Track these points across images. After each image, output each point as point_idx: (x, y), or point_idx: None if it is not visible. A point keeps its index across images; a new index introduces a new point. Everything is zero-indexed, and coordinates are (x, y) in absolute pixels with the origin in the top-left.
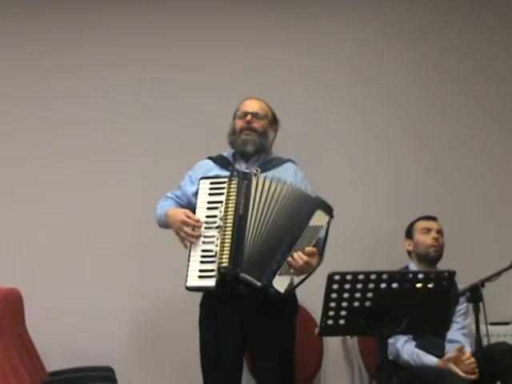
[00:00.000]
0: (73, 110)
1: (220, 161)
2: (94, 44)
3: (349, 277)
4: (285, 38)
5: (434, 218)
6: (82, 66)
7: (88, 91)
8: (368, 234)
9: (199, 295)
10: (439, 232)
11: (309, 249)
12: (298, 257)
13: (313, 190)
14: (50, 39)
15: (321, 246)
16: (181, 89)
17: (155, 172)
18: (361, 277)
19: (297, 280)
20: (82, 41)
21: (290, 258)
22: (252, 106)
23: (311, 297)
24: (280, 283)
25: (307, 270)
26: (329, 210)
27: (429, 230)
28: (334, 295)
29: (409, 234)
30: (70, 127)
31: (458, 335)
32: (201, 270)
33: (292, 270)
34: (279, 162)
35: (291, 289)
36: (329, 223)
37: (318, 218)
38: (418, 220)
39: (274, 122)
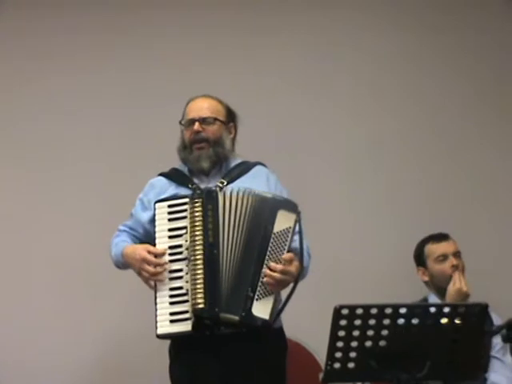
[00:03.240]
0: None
1: (175, 177)
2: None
3: (359, 311)
4: (272, 32)
5: (445, 237)
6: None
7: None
8: (378, 257)
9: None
10: (456, 254)
11: (284, 256)
12: (272, 268)
13: (289, 193)
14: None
15: (297, 250)
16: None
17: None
18: (374, 311)
19: (280, 299)
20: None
21: (265, 278)
22: (198, 108)
23: (314, 335)
24: (261, 309)
25: (288, 280)
26: (292, 207)
27: (445, 257)
28: (341, 333)
29: (420, 260)
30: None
31: (503, 380)
32: (172, 313)
33: (271, 288)
34: (246, 167)
35: (278, 312)
36: (298, 221)
37: (283, 220)
38: (427, 242)
39: (229, 120)
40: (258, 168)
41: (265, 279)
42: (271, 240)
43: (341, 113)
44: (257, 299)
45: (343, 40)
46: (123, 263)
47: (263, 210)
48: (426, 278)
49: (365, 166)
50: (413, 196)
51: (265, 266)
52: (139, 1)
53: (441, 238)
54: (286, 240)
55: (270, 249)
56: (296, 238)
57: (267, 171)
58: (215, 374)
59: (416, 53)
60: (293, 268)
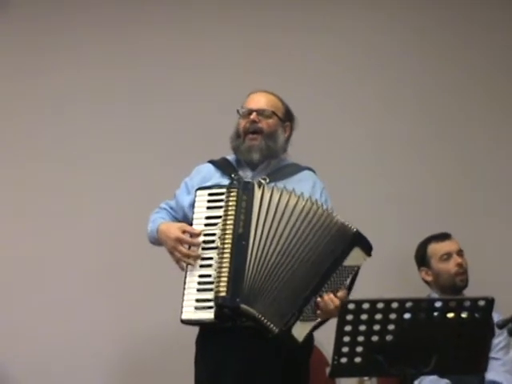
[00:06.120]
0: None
1: (222, 166)
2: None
3: (366, 305)
4: (276, 31)
5: (447, 236)
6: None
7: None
8: (385, 253)
9: (196, 328)
10: (460, 253)
11: (341, 294)
12: (330, 299)
13: (333, 207)
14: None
15: (347, 287)
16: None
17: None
18: (380, 305)
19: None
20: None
21: (319, 299)
22: (257, 101)
23: (321, 330)
24: (300, 331)
25: (334, 314)
26: (368, 248)
27: (449, 256)
28: (348, 328)
29: (423, 261)
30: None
31: (500, 375)
32: (197, 300)
33: (318, 312)
34: (294, 169)
35: (307, 336)
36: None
37: (355, 257)
38: (429, 242)
39: (286, 119)
40: (305, 173)
41: (318, 299)
42: (337, 270)
43: (346, 112)
44: (301, 320)
45: (349, 39)
46: (157, 239)
47: (340, 237)
48: (430, 278)
49: (370, 164)
50: (418, 193)
51: (321, 292)
52: None
53: (443, 237)
54: (348, 276)
55: (332, 279)
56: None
57: (315, 177)
58: (236, 365)
59: (425, 52)
60: None
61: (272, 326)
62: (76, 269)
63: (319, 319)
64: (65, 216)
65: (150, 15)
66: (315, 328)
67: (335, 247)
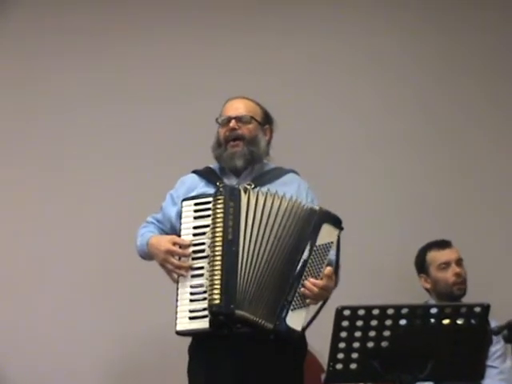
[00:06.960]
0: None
1: (207, 175)
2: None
3: (361, 312)
4: (283, 34)
5: (448, 244)
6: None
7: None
8: (381, 259)
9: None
10: (459, 262)
11: (326, 271)
12: (312, 284)
13: (319, 201)
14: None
15: (333, 264)
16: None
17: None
18: (376, 312)
19: (313, 311)
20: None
21: (302, 289)
22: (235, 108)
23: (317, 336)
24: (295, 320)
25: (326, 295)
26: (337, 222)
27: (448, 265)
28: (343, 334)
29: (422, 268)
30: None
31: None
32: (191, 311)
33: (308, 301)
34: (278, 173)
35: (309, 323)
36: (339, 237)
37: (326, 234)
38: (429, 249)
39: (265, 122)
40: (290, 175)
41: (302, 289)
42: (313, 253)
43: (345, 112)
44: (292, 310)
45: (349, 40)
46: (147, 253)
47: (307, 220)
48: (428, 286)
49: (369, 164)
50: (418, 193)
51: (303, 277)
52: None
53: (443, 245)
54: (327, 254)
55: (310, 261)
56: (332, 251)
57: (299, 179)
58: (231, 372)
59: (424, 52)
60: (332, 283)
61: (266, 323)
62: (76, 269)
63: (315, 305)
64: (65, 216)
65: (151, 17)
66: (316, 315)
67: (305, 230)
